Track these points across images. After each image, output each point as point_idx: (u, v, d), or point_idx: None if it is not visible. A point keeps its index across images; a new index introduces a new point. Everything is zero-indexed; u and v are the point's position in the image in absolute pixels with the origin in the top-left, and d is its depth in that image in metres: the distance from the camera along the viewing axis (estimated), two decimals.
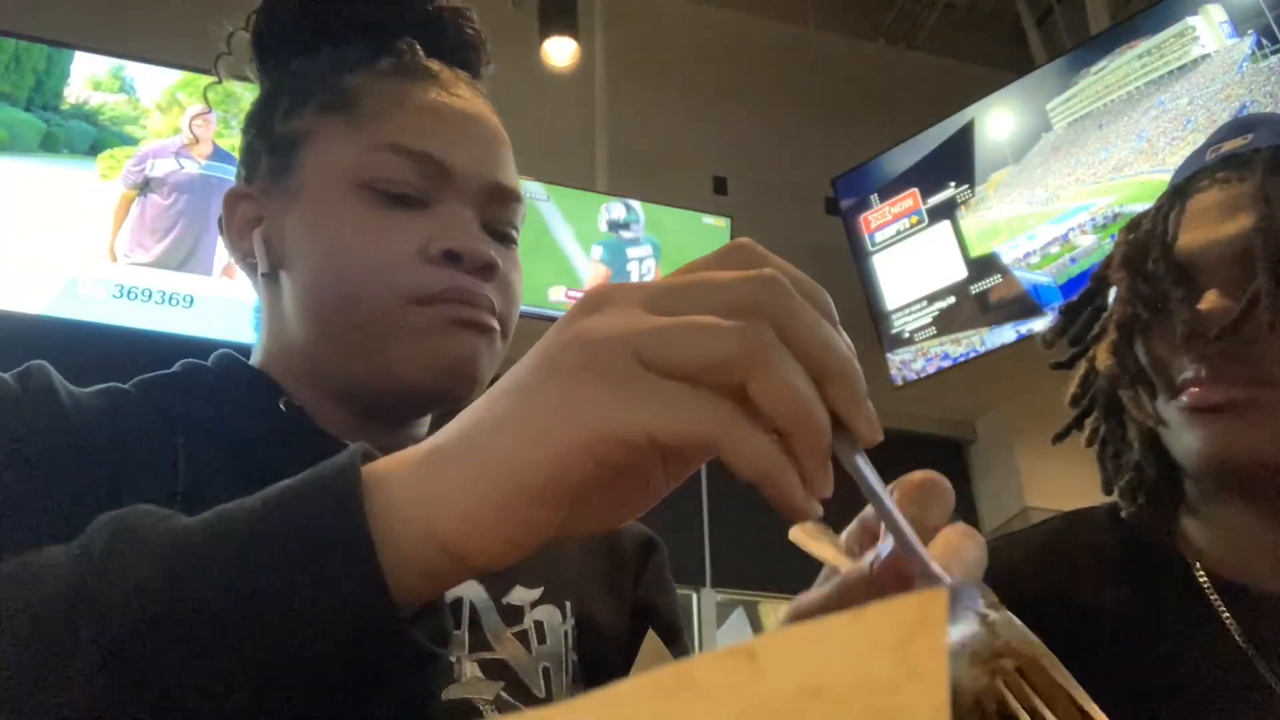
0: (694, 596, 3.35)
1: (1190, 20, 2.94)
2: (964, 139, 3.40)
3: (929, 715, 0.14)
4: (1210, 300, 0.60)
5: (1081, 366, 0.75)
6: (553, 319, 0.32)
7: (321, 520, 0.31)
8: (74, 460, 0.48)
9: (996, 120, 3.36)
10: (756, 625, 3.45)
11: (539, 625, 0.57)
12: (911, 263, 3.46)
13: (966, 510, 3.72)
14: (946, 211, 3.41)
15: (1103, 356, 0.69)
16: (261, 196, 0.61)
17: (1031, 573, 0.71)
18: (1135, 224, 0.70)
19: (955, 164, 3.41)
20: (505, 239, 0.62)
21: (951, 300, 3.35)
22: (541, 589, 0.58)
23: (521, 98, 3.70)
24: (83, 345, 2.50)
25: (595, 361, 0.29)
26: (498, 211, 0.61)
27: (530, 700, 0.54)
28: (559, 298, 3.17)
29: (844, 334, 0.31)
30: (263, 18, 0.64)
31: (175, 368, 0.59)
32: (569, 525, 0.33)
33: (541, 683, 0.55)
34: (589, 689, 0.55)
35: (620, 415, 0.29)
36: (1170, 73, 2.97)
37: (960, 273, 3.35)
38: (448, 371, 0.57)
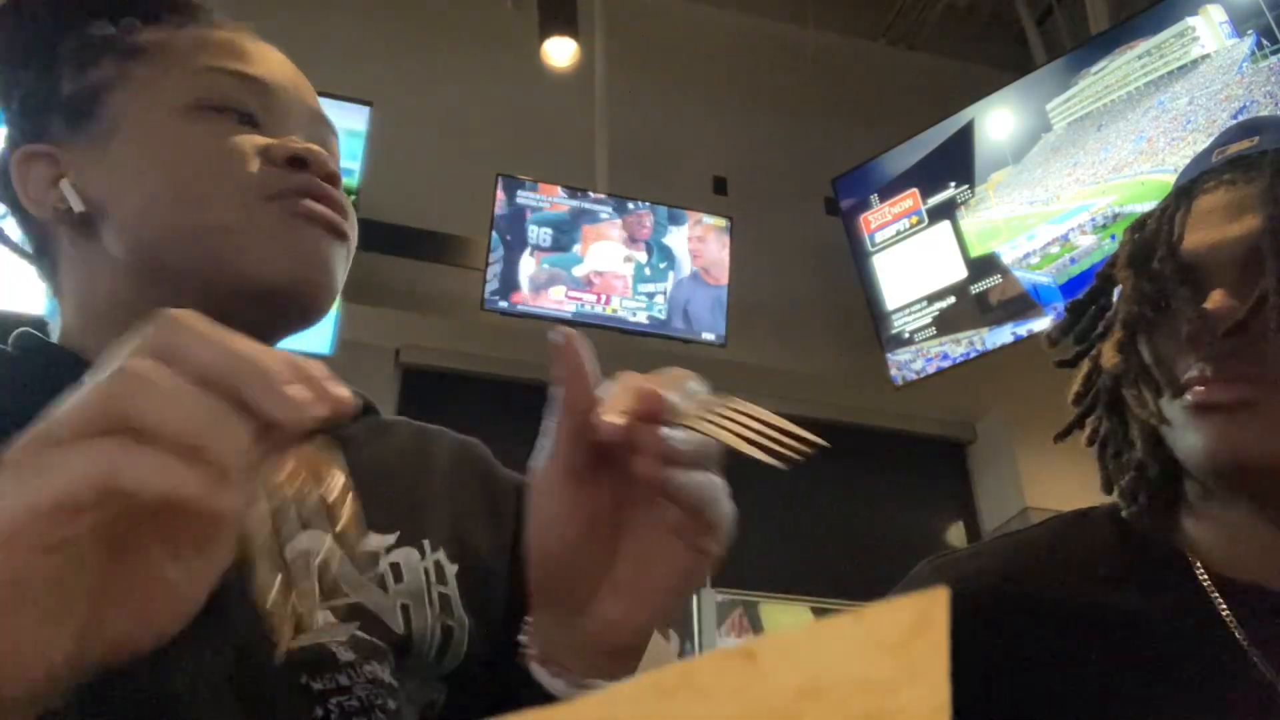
0: (694, 596, 3.35)
1: (1190, 20, 2.94)
2: (964, 139, 3.40)
3: (929, 716, 0.14)
4: (1216, 300, 0.60)
5: (1084, 365, 0.75)
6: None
7: None
8: None
9: (996, 120, 3.36)
10: (757, 625, 3.45)
11: (395, 566, 0.56)
12: (911, 263, 3.46)
13: (966, 510, 3.72)
14: (946, 212, 3.41)
15: (1109, 354, 0.69)
16: (60, 152, 0.61)
17: (1031, 572, 0.71)
18: (1140, 224, 0.70)
19: (955, 164, 3.41)
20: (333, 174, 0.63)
21: (951, 300, 3.35)
22: (397, 533, 0.58)
23: (521, 98, 3.70)
24: None
25: None
26: (322, 139, 0.62)
27: (388, 636, 0.53)
28: (559, 297, 3.17)
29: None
30: None
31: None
32: (92, 647, 0.32)
33: (400, 620, 0.54)
34: (472, 618, 0.54)
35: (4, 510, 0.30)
36: (1170, 73, 2.97)
37: (960, 273, 3.35)
38: (301, 265, 0.57)
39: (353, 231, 0.61)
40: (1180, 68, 2.95)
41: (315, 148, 0.58)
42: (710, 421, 0.42)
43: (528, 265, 3.16)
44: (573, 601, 0.47)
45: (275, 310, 0.59)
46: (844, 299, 3.63)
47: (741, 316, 3.37)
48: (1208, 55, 2.90)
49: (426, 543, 0.59)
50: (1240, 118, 2.75)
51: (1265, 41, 2.78)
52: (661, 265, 3.34)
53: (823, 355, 3.64)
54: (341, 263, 0.60)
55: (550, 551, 0.47)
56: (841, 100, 4.05)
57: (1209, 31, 2.91)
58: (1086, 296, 0.75)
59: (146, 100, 0.59)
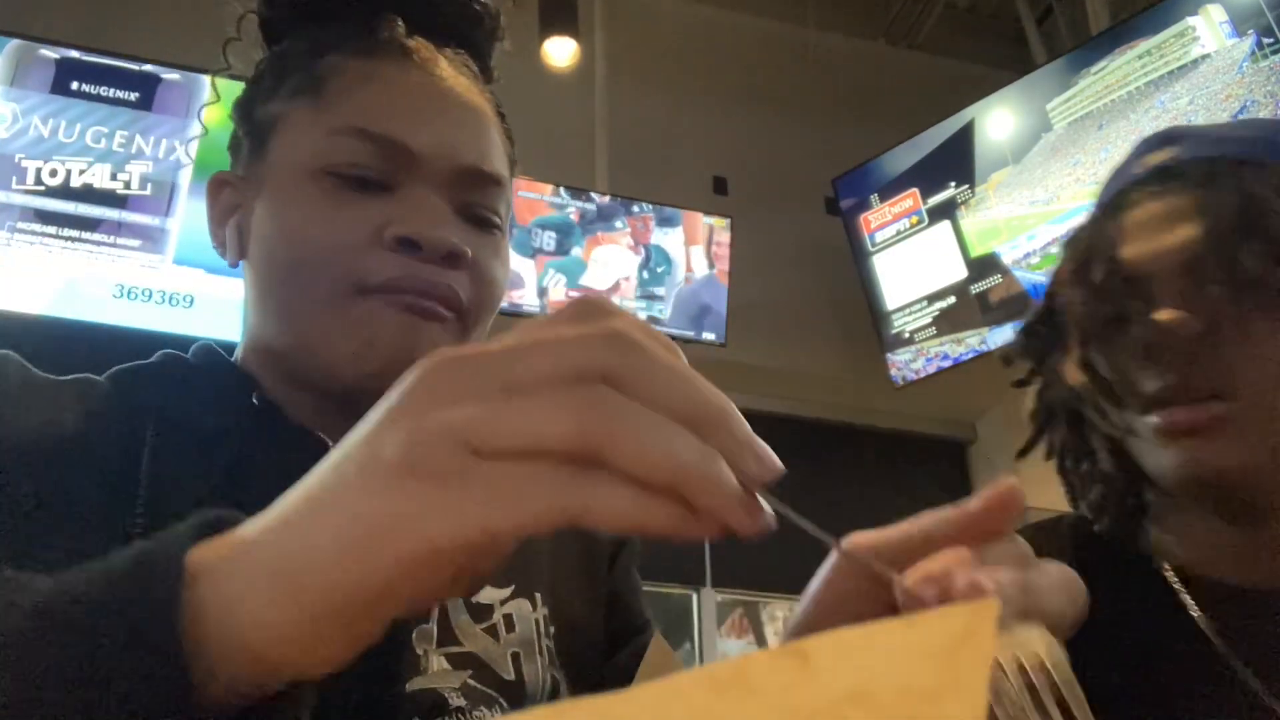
0: (694, 596, 3.35)
1: (1190, 20, 2.95)
2: (964, 139, 3.40)
3: None
4: (1166, 313, 0.60)
5: (1038, 382, 0.75)
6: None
7: (137, 639, 0.27)
8: (33, 449, 0.48)
9: (996, 120, 3.36)
10: (757, 625, 3.45)
11: (508, 617, 0.56)
12: (911, 263, 3.46)
13: None
14: (946, 211, 3.41)
15: (1072, 372, 0.69)
16: (239, 184, 0.60)
17: None
18: (1074, 239, 0.70)
19: (955, 164, 3.41)
20: (483, 224, 0.59)
21: (951, 300, 3.36)
22: (511, 587, 0.58)
23: (521, 97, 3.69)
24: (83, 345, 2.50)
25: (419, 459, 0.27)
26: (473, 196, 0.58)
27: (499, 684, 0.53)
28: (560, 297, 3.17)
29: (704, 380, 0.29)
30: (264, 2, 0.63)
31: (154, 358, 0.59)
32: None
33: (510, 667, 0.54)
34: (566, 675, 0.54)
35: (451, 522, 0.26)
36: (1170, 73, 2.97)
37: (960, 273, 3.35)
38: (387, 363, 0.53)
39: (468, 312, 0.57)
40: (1180, 67, 2.95)
41: (432, 233, 0.54)
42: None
43: (530, 267, 3.16)
44: None
45: (371, 398, 0.56)
46: (844, 299, 3.63)
47: (741, 316, 3.37)
48: (1208, 55, 2.90)
49: (538, 595, 0.59)
50: (1241, 117, 2.75)
51: (1265, 41, 2.78)
52: (659, 269, 3.34)
53: (823, 355, 3.64)
54: (442, 346, 0.55)
55: None
56: (841, 100, 4.05)
57: (1209, 31, 2.91)
58: (1037, 317, 0.75)
59: (292, 151, 0.56)
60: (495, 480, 0.26)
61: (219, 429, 0.55)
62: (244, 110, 0.62)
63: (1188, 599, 0.65)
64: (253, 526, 0.30)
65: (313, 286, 0.54)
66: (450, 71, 0.60)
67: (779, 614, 3.44)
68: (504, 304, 0.66)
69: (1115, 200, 0.67)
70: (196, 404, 0.56)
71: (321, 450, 0.55)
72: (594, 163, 3.51)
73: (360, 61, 0.58)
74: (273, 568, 0.28)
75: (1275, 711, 0.59)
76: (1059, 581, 0.35)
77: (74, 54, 2.82)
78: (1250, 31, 2.82)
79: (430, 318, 0.55)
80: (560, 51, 3.42)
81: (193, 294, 2.78)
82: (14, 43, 2.76)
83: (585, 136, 3.56)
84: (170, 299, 2.76)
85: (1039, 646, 0.32)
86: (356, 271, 0.54)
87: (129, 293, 2.73)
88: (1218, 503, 0.64)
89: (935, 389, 3.40)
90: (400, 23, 0.60)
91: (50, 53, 2.79)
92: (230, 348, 0.62)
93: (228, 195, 0.61)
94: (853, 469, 3.61)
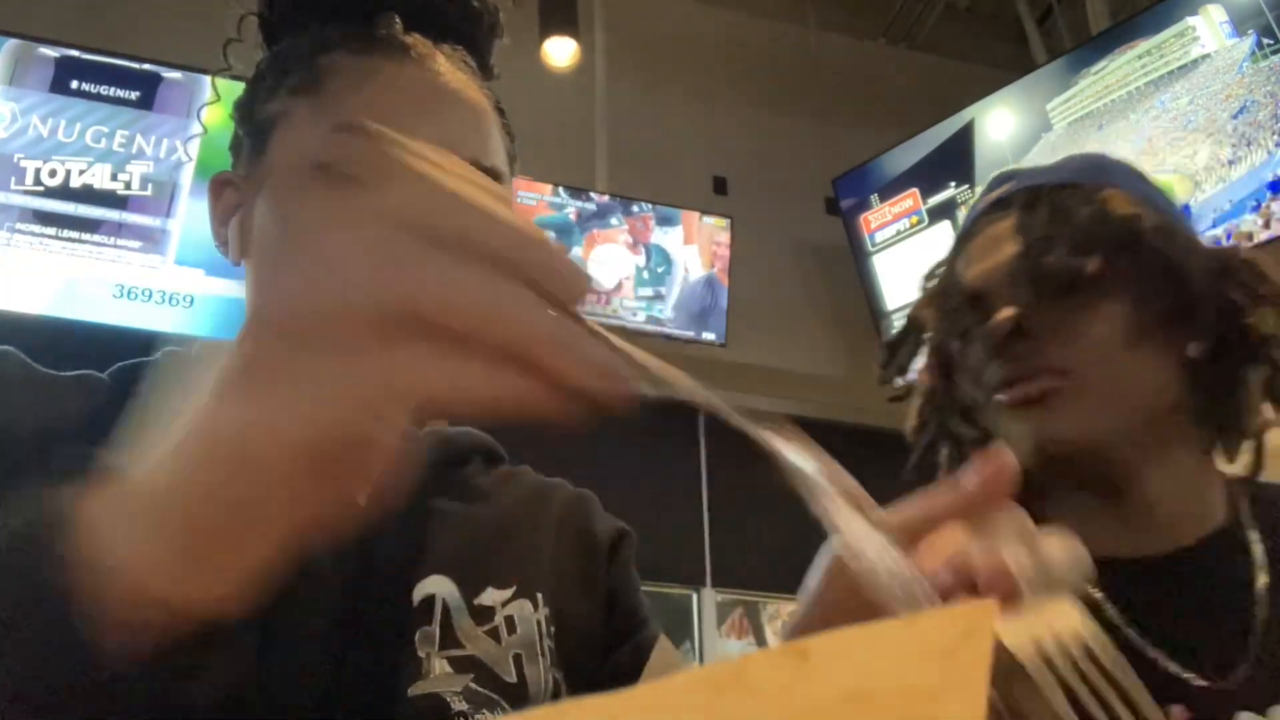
0: (694, 596, 3.35)
1: (1190, 20, 2.94)
2: (964, 139, 3.40)
3: None
4: (999, 316, 0.71)
5: (915, 401, 0.83)
6: None
7: (32, 600, 0.29)
8: (34, 444, 0.48)
9: (996, 120, 3.36)
10: (757, 625, 3.45)
11: (509, 619, 0.57)
12: (912, 263, 3.46)
13: None
14: (946, 211, 3.41)
15: (923, 376, 0.80)
16: (241, 183, 0.60)
17: None
18: (933, 271, 0.82)
19: (955, 164, 3.41)
20: None
21: None
22: (513, 588, 0.58)
23: (521, 97, 3.70)
24: (83, 345, 2.50)
25: (253, 364, 0.28)
26: None
27: (500, 687, 0.54)
28: None
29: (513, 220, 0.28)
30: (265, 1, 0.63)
31: (155, 356, 0.59)
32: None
33: (512, 669, 0.55)
34: (566, 678, 0.54)
35: (296, 422, 0.27)
36: (1170, 73, 2.97)
37: None
38: None
39: None
40: (1180, 67, 2.95)
41: None
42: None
43: None
44: None
45: None
46: (844, 299, 3.63)
47: (741, 316, 3.37)
48: (1208, 55, 2.90)
49: (540, 596, 0.59)
50: (1241, 117, 2.75)
51: (1265, 41, 2.78)
52: (659, 269, 3.34)
53: (823, 355, 3.64)
54: None
55: None
56: (841, 100, 4.05)
57: (1209, 31, 2.91)
58: (898, 336, 0.86)
59: (291, 149, 0.57)
60: (326, 375, 0.27)
61: None
62: (244, 110, 0.62)
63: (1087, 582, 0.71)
64: (135, 466, 0.30)
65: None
66: (449, 68, 0.60)
67: (779, 614, 3.44)
68: None
69: (964, 233, 0.79)
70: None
71: None
72: (593, 162, 3.51)
73: (360, 59, 0.58)
74: (147, 501, 0.29)
75: (1175, 675, 0.64)
76: (1067, 550, 0.35)
77: (74, 53, 2.81)
78: (1250, 31, 2.82)
79: None
80: (560, 51, 3.42)
81: (193, 294, 2.78)
82: (13, 41, 2.75)
83: (585, 136, 3.56)
84: (170, 299, 2.76)
85: (1076, 623, 0.31)
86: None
87: (129, 293, 2.73)
88: (1079, 477, 0.71)
89: None
90: (398, 20, 0.61)
91: (50, 51, 2.79)
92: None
93: (229, 195, 0.61)
94: (852, 469, 3.60)
